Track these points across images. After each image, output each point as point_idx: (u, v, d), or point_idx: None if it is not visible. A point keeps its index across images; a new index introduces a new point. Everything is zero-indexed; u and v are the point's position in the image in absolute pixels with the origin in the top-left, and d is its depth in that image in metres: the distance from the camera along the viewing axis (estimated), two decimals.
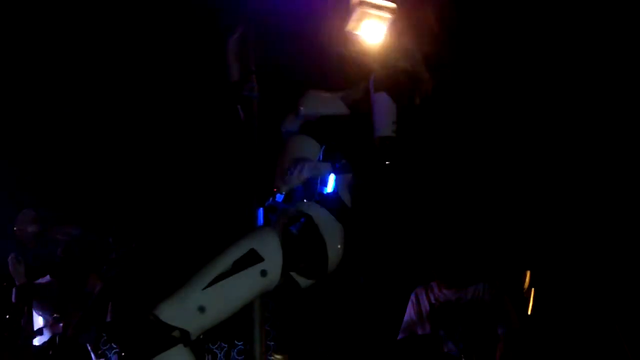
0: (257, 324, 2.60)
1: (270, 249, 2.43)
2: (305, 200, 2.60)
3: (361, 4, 2.58)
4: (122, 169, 4.88)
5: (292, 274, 2.51)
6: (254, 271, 2.39)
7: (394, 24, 2.61)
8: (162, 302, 2.32)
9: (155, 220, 4.73)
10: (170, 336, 2.27)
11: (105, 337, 4.41)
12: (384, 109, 2.56)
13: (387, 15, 2.59)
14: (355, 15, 2.60)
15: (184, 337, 2.30)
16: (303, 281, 2.55)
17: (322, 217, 2.54)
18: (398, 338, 4.28)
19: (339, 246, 2.54)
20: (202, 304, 2.31)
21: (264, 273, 2.40)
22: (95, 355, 4.30)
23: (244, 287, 2.40)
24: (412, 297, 4.34)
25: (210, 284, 2.33)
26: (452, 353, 4.02)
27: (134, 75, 4.50)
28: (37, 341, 4.28)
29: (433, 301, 4.23)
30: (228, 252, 2.41)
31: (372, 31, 2.63)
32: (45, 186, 4.83)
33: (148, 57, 4.37)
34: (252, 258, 2.39)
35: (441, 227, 4.52)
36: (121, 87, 4.57)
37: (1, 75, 4.43)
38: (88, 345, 4.26)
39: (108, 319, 4.27)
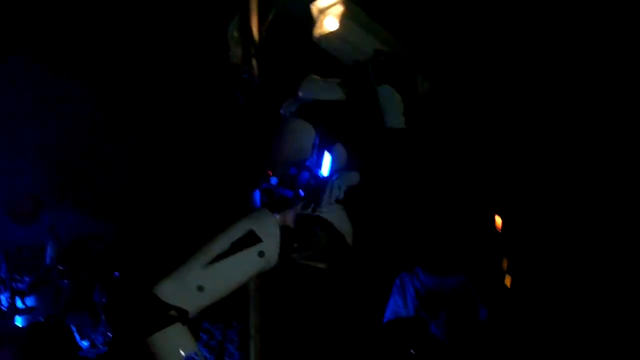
0: (253, 305, 2.66)
1: (269, 231, 2.48)
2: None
3: (320, 10, 2.78)
4: (120, 151, 4.87)
5: (314, 263, 2.61)
6: (252, 252, 2.43)
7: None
8: (161, 280, 2.34)
9: (150, 201, 4.73)
10: (168, 314, 2.30)
11: (91, 318, 4.39)
12: (391, 101, 2.61)
13: (340, 8, 2.74)
14: (318, 22, 2.79)
15: (182, 316, 2.33)
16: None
17: (337, 217, 2.63)
18: (384, 322, 4.33)
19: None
20: (201, 283, 2.35)
21: (261, 254, 2.44)
22: (80, 336, 4.30)
23: (243, 267, 2.44)
24: (397, 282, 4.39)
25: (209, 264, 2.37)
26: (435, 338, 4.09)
27: (133, 58, 4.51)
28: (23, 321, 4.27)
29: (418, 286, 4.29)
30: (227, 232, 2.45)
31: (332, 24, 2.81)
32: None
33: (148, 39, 4.38)
34: (251, 239, 2.43)
35: (427, 215, 4.58)
36: (119, 67, 4.58)
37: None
38: (72, 326, 4.25)
39: (96, 300, 4.27)
